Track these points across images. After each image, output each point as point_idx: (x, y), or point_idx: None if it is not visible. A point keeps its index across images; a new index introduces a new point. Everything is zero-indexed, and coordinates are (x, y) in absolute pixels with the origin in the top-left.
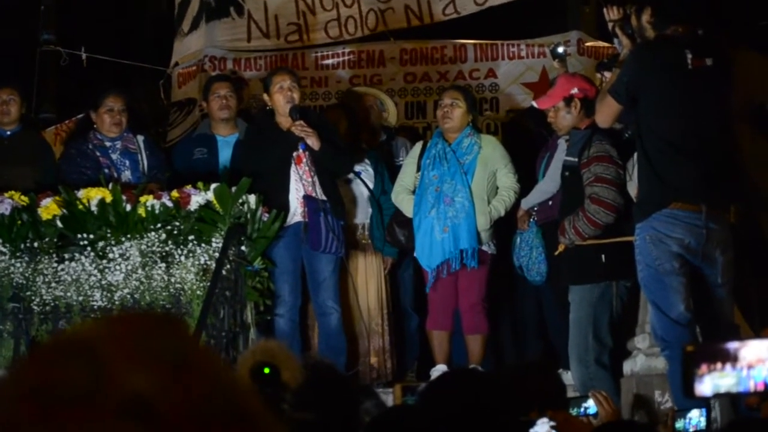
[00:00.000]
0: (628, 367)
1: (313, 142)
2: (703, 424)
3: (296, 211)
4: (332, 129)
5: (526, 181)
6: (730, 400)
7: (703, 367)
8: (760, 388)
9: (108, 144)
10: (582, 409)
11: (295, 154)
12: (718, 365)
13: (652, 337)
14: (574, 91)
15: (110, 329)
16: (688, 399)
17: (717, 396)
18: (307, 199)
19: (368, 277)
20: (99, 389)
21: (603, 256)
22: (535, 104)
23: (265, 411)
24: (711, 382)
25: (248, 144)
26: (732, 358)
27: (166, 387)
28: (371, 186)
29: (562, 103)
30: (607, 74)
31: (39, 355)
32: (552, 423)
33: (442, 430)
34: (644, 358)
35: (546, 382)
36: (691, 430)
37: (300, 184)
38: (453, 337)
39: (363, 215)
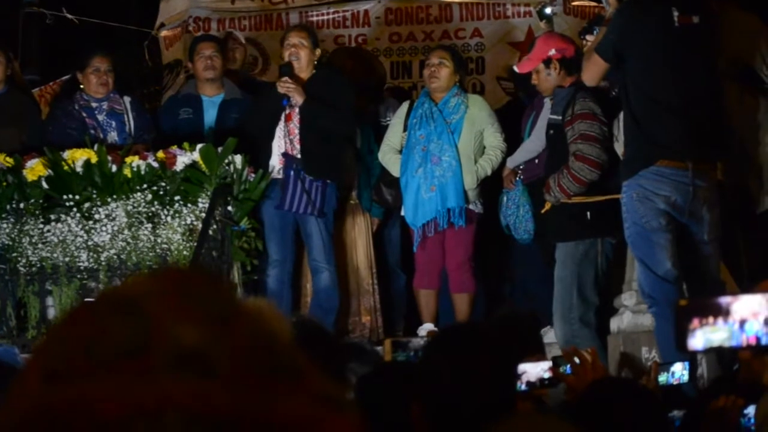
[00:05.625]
0: (614, 324)
1: (296, 97)
2: (686, 377)
3: (275, 168)
4: (339, 89)
5: (512, 140)
6: (717, 355)
7: (695, 322)
8: (752, 342)
9: (94, 105)
10: (567, 368)
11: (287, 110)
12: (710, 320)
13: (639, 294)
14: (552, 52)
15: (155, 285)
16: (679, 354)
17: (708, 350)
18: (285, 157)
19: (357, 236)
20: (150, 343)
21: (588, 213)
22: (516, 69)
23: (312, 365)
24: (703, 337)
25: (253, 102)
26: (724, 313)
27: (216, 339)
28: (357, 146)
29: (542, 65)
30: (590, 38)
31: (87, 311)
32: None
33: (445, 385)
34: (631, 315)
35: (527, 333)
36: (674, 383)
37: (282, 141)
38: (440, 296)
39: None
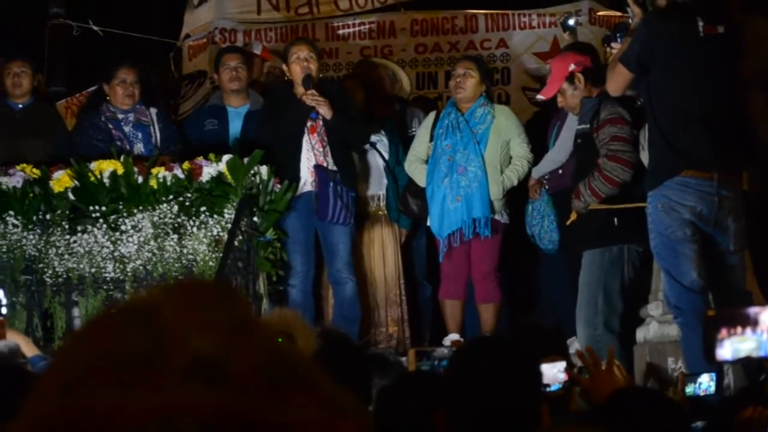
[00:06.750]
0: (641, 334)
1: (325, 111)
2: (713, 388)
3: (307, 181)
4: (349, 100)
5: (538, 150)
6: (744, 365)
7: (723, 332)
8: None
9: (120, 116)
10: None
11: (309, 123)
12: (738, 330)
13: (665, 304)
14: (572, 67)
15: (170, 296)
16: (707, 364)
17: (737, 360)
18: (318, 169)
19: (385, 247)
20: (164, 352)
21: (615, 219)
22: (540, 97)
23: (323, 373)
24: (731, 347)
25: (264, 114)
26: (752, 323)
27: (229, 349)
28: (386, 157)
29: (565, 84)
30: (615, 45)
31: (103, 322)
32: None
33: (471, 394)
34: (657, 326)
35: (552, 344)
36: (701, 394)
37: (311, 154)
38: (465, 307)
39: (378, 186)
